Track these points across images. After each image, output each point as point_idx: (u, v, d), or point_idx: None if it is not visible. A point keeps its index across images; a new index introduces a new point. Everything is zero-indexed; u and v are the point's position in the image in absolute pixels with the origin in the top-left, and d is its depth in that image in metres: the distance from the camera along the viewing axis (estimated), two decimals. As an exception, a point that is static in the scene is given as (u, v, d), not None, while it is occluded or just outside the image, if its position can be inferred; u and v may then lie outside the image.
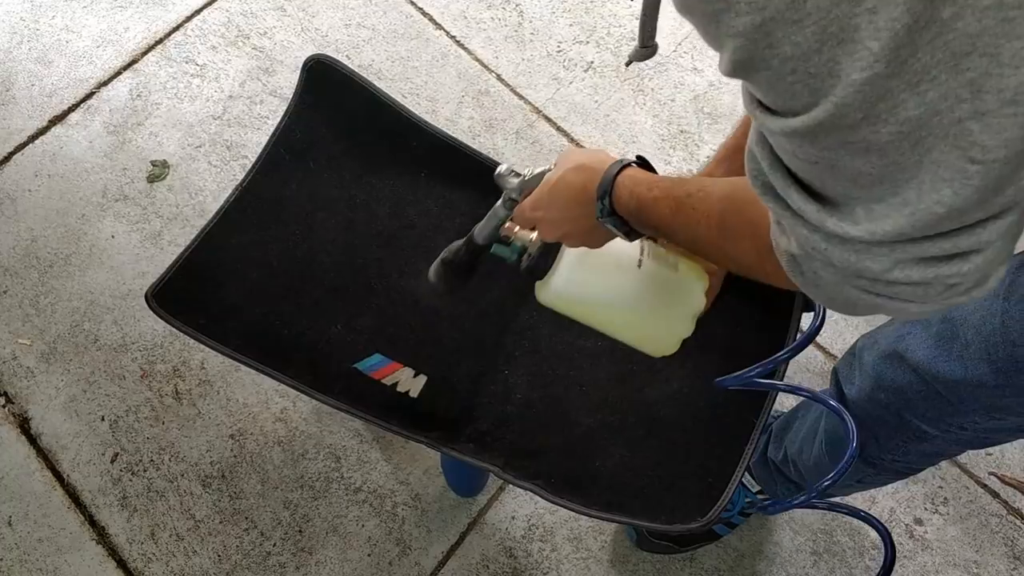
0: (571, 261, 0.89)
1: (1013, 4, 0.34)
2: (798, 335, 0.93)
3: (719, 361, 1.00)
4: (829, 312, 0.73)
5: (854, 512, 0.92)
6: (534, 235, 0.90)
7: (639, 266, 0.88)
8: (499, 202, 0.89)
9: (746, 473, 1.32)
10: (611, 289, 0.89)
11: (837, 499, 1.19)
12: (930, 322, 0.87)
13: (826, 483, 0.83)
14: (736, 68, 0.43)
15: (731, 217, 0.66)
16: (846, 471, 0.82)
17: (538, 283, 0.91)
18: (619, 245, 0.87)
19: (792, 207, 0.49)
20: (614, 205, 0.75)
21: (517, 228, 0.91)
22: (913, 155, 0.40)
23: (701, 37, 0.46)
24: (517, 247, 0.91)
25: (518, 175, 0.88)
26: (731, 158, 0.92)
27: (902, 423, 0.93)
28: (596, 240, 0.83)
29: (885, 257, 0.46)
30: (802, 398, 1.15)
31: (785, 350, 0.89)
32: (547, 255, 0.90)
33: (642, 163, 0.78)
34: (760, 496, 1.34)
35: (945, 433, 0.90)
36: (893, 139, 0.40)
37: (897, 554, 1.42)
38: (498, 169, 0.90)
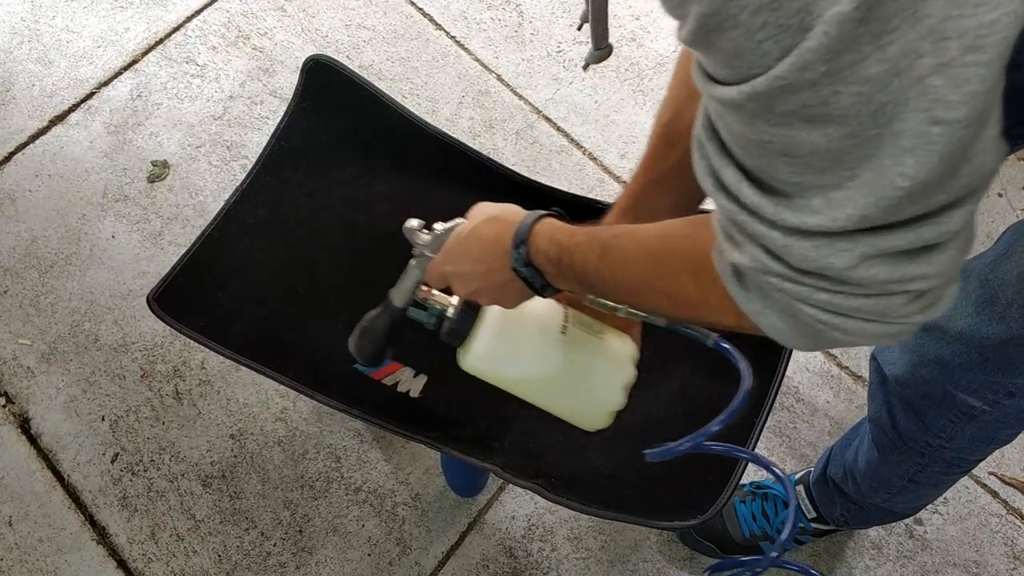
0: (492, 325, 0.84)
1: None
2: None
3: (718, 357, 0.99)
4: None
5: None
6: (453, 299, 0.86)
7: (563, 332, 0.84)
8: (412, 260, 0.85)
9: (805, 497, 1.29)
10: (535, 357, 0.84)
11: (904, 511, 1.21)
12: (967, 290, 0.86)
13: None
14: (700, 29, 0.40)
15: (665, 254, 0.64)
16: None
17: (459, 349, 0.86)
18: (541, 309, 0.83)
19: (747, 204, 0.47)
20: (530, 254, 0.73)
21: (434, 291, 0.87)
22: (873, 126, 0.39)
23: (662, 4, 0.43)
24: (436, 310, 0.87)
25: (429, 231, 0.85)
26: (637, 206, 0.88)
27: (947, 398, 0.91)
28: (509, 297, 0.79)
29: (848, 252, 0.44)
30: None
31: (716, 421, 0.75)
32: (468, 320, 0.84)
33: (559, 215, 0.76)
34: (814, 524, 1.31)
35: (993, 406, 0.89)
36: (853, 103, 0.38)
37: (897, 554, 1.42)
38: (406, 223, 0.85)
